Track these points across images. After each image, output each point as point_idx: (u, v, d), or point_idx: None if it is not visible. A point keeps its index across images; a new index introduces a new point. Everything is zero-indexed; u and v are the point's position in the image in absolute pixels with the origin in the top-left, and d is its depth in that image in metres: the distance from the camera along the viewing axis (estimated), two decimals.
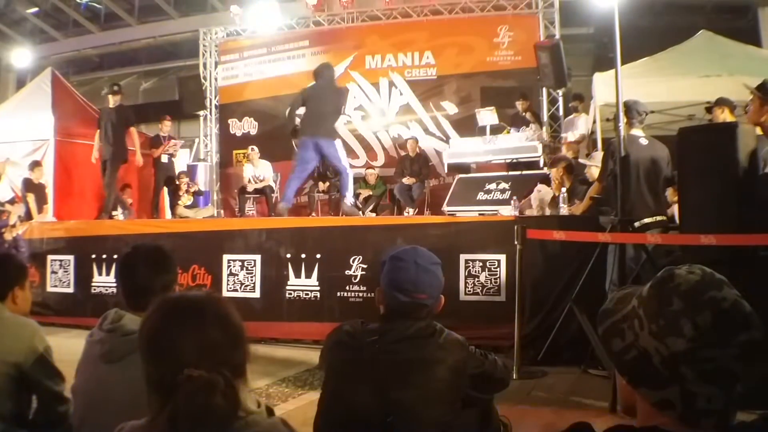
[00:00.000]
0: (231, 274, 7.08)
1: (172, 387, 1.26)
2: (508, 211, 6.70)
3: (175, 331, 1.33)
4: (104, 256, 7.73)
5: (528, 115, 9.66)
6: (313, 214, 10.42)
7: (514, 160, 8.52)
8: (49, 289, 8.04)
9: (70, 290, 7.97)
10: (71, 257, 8.01)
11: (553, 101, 10.92)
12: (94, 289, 7.77)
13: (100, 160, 9.71)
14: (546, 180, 7.17)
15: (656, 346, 1.09)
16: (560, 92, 10.63)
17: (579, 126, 9.93)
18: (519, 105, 9.86)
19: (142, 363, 1.36)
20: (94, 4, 17.77)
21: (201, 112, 12.85)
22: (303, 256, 6.79)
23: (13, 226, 8.37)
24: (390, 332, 2.13)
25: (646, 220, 5.31)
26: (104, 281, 7.69)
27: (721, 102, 6.01)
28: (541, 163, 8.09)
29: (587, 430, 1.17)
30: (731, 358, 1.04)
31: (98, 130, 9.70)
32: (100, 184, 9.91)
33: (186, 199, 10.53)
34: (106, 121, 9.62)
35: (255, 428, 1.31)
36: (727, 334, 1.05)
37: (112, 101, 9.85)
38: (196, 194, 10.80)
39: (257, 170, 10.61)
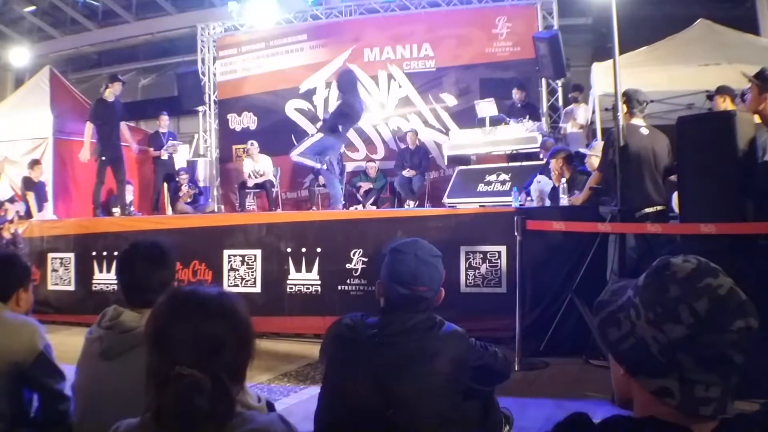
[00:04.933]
0: (232, 269, 7.07)
1: (164, 382, 1.24)
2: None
3: (176, 325, 1.31)
4: (105, 253, 7.72)
5: (519, 107, 9.64)
6: (314, 208, 10.42)
7: (514, 151, 8.52)
8: (50, 287, 8.02)
9: (71, 288, 7.96)
10: (72, 255, 8.01)
11: (552, 92, 10.89)
12: (95, 287, 7.77)
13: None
14: (546, 171, 7.16)
15: (654, 334, 1.09)
16: (559, 83, 10.61)
17: (578, 116, 9.93)
18: (515, 95, 9.84)
19: (146, 353, 1.35)
20: (92, 2, 17.69)
21: (200, 108, 12.82)
22: (303, 250, 6.78)
23: (11, 221, 8.35)
24: (390, 325, 2.13)
25: (647, 210, 5.30)
26: (105, 278, 7.68)
27: (723, 90, 5.98)
28: (541, 154, 8.08)
29: (584, 419, 1.17)
30: (729, 344, 1.05)
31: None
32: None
33: (186, 197, 10.55)
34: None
35: (251, 425, 1.30)
36: (724, 320, 1.05)
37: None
38: (197, 195, 10.84)
39: (257, 165, 10.61)
